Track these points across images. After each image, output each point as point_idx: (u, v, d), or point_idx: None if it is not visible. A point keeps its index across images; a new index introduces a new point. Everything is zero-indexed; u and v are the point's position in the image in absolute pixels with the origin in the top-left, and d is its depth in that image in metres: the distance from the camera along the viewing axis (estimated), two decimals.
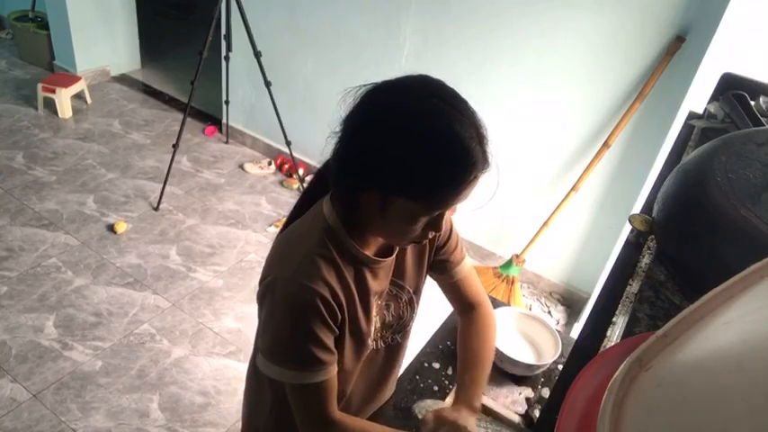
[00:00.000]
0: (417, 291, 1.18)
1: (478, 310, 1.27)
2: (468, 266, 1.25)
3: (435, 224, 0.93)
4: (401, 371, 1.37)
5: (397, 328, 1.18)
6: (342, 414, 1.05)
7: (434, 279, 1.25)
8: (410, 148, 0.83)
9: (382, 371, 1.23)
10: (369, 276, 1.04)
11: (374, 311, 1.09)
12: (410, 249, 1.13)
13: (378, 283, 1.07)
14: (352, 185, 0.91)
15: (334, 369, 1.01)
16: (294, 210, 1.11)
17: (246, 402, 1.27)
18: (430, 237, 0.98)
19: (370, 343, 1.12)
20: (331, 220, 0.99)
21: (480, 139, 0.85)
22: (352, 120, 0.90)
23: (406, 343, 1.24)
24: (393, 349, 1.21)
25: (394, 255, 1.07)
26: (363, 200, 0.91)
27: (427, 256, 1.16)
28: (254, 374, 1.20)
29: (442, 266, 1.21)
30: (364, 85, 0.89)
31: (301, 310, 0.94)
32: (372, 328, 1.10)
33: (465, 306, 1.27)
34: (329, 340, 0.98)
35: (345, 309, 1.00)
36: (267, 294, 0.98)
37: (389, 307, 1.14)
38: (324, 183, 1.04)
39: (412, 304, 1.18)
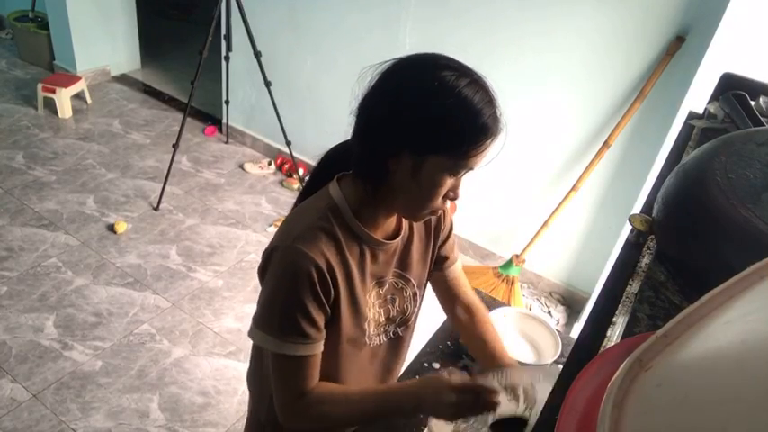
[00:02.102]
0: (421, 285, 1.20)
1: (482, 310, 1.31)
2: (460, 268, 1.30)
3: (455, 190, 0.98)
4: (404, 367, 1.38)
5: (400, 322, 1.19)
6: (318, 390, 1.05)
7: (430, 278, 1.27)
8: (439, 112, 0.90)
9: (386, 365, 1.24)
10: (370, 258, 1.06)
11: (374, 296, 1.10)
12: (416, 243, 1.15)
13: (379, 267, 1.08)
14: (383, 153, 0.95)
15: (318, 348, 1.02)
16: (298, 200, 1.13)
17: (251, 394, 1.29)
18: (446, 207, 1.03)
19: (371, 333, 1.13)
20: (337, 198, 1.02)
21: (492, 100, 0.93)
22: (375, 94, 0.95)
23: (408, 336, 1.25)
24: (395, 342, 1.21)
25: (398, 239, 1.09)
26: (394, 166, 0.95)
27: (431, 251, 1.19)
28: (255, 363, 1.22)
29: (440, 263, 1.25)
30: (380, 65, 0.95)
31: (295, 277, 0.96)
32: (371, 312, 1.10)
33: (464, 306, 1.31)
34: (318, 316, 0.99)
35: (341, 286, 1.01)
36: (268, 263, 1.01)
37: (395, 301, 1.15)
38: (324, 175, 1.07)
39: (416, 299, 1.19)
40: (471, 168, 0.95)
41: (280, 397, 1.06)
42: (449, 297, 1.30)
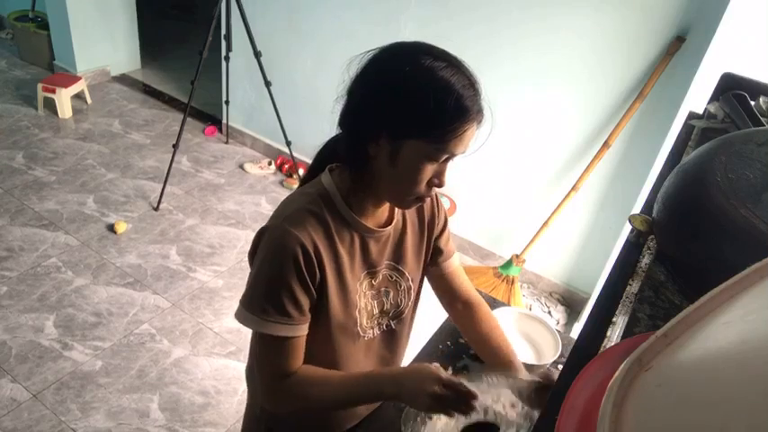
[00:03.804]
0: (416, 279, 1.20)
1: (482, 305, 1.30)
2: (457, 262, 1.30)
3: (439, 177, 0.98)
4: (401, 362, 1.37)
5: (393, 315, 1.19)
6: (301, 372, 1.05)
7: (427, 272, 1.27)
8: (413, 93, 0.91)
9: (382, 360, 1.24)
10: (360, 245, 1.07)
11: (366, 286, 1.10)
12: (410, 236, 1.15)
13: (370, 256, 1.09)
14: (363, 136, 0.96)
15: (301, 331, 1.03)
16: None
17: (248, 387, 1.30)
18: (433, 194, 1.03)
19: (365, 325, 1.13)
20: (327, 185, 1.03)
21: (473, 85, 0.93)
22: (359, 81, 0.96)
23: (403, 331, 1.24)
24: (389, 336, 1.21)
25: (389, 228, 1.10)
26: (373, 151, 0.95)
27: (426, 244, 1.19)
28: (252, 357, 1.24)
29: (436, 256, 1.25)
30: (367, 52, 0.96)
31: (281, 255, 0.97)
32: (362, 302, 1.10)
33: (463, 301, 1.30)
34: (302, 297, 1.00)
35: (328, 269, 1.02)
36: (258, 245, 1.03)
37: (389, 294, 1.15)
38: (321, 166, 1.09)
39: (410, 292, 1.19)
40: (452, 154, 0.95)
41: (262, 378, 1.08)
42: (446, 292, 1.30)
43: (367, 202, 1.04)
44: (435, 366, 1.01)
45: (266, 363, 1.06)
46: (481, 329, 1.27)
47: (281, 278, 0.98)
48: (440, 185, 0.99)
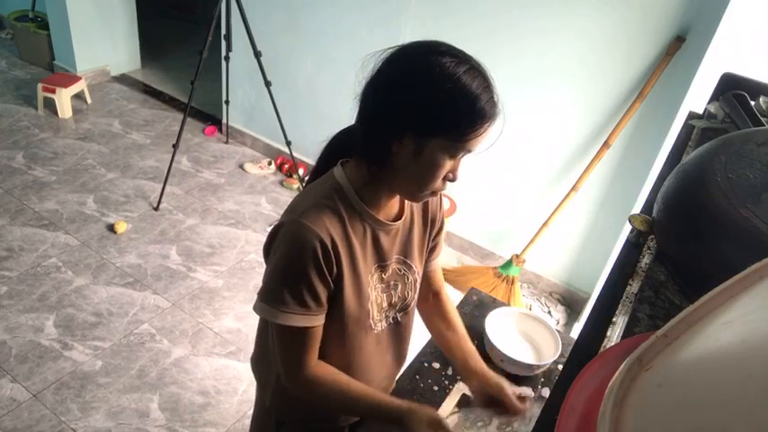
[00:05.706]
0: (420, 273, 1.23)
1: (445, 295, 1.37)
2: (440, 262, 1.36)
3: (454, 172, 1.02)
4: (407, 352, 1.39)
5: (400, 308, 1.22)
6: (321, 368, 1.10)
7: None
8: (441, 96, 0.94)
9: (392, 352, 1.26)
10: (372, 238, 1.09)
11: (376, 280, 1.12)
12: (416, 230, 1.17)
13: (381, 250, 1.11)
14: (387, 136, 0.98)
15: (318, 321, 1.05)
16: (305, 186, 1.16)
17: (256, 380, 1.32)
18: (444, 188, 1.07)
19: (375, 317, 1.15)
20: (341, 180, 1.05)
21: (489, 86, 0.98)
22: (379, 79, 0.98)
23: (408, 322, 1.27)
24: (397, 329, 1.24)
25: (400, 222, 1.12)
26: (397, 148, 0.98)
27: (428, 239, 1.23)
28: (259, 349, 1.25)
29: (430, 252, 1.28)
30: (384, 50, 0.98)
31: (300, 250, 0.99)
32: (373, 295, 1.12)
33: (434, 292, 1.36)
34: (320, 289, 1.02)
35: (344, 263, 1.04)
36: (273, 239, 1.04)
37: (397, 287, 1.17)
38: (330, 161, 1.11)
39: (416, 285, 1.22)
40: (470, 151, 0.99)
41: (282, 368, 1.10)
42: (428, 286, 1.34)
43: (380, 195, 1.06)
44: (436, 415, 1.08)
45: (285, 354, 1.09)
46: (446, 316, 1.33)
47: (299, 272, 1.00)
48: (454, 180, 1.03)
